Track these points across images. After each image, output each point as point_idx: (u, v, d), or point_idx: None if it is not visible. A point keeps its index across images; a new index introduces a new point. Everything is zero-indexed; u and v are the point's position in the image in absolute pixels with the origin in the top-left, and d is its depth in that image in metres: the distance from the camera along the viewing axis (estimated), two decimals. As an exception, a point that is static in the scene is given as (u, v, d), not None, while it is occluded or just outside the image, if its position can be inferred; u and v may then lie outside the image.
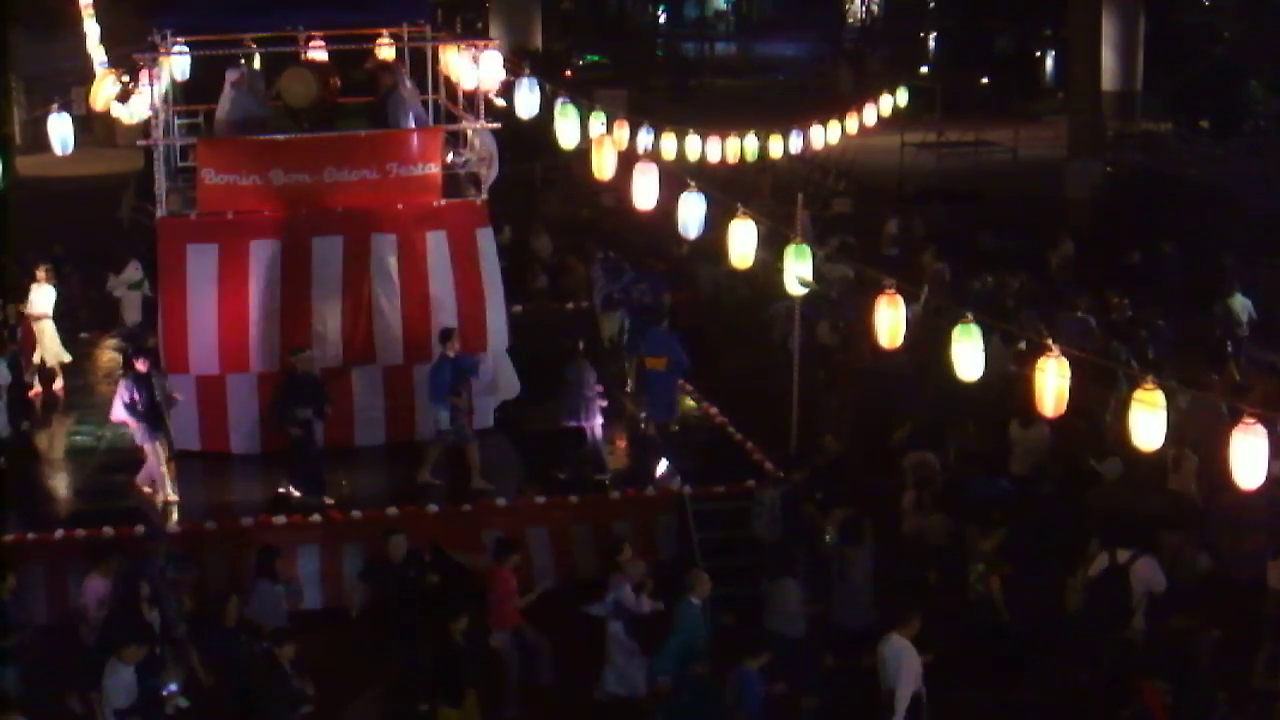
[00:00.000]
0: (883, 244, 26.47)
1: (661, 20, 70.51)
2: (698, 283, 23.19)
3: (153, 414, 15.17)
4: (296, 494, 15.23)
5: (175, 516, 15.04)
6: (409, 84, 17.54)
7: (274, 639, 11.81)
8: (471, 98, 17.82)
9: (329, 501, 15.14)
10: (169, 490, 15.30)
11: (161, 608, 12.65)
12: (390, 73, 17.42)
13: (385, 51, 19.16)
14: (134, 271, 21.00)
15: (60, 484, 16.30)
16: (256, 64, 18.82)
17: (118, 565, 13.02)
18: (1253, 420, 8.80)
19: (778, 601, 12.94)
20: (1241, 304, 20.88)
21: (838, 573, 13.33)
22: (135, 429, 15.42)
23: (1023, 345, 16.04)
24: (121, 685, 11.26)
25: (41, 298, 19.38)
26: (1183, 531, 14.46)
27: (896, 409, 17.64)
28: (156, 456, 15.29)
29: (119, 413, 15.38)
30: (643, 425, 16.99)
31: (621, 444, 16.93)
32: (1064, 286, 22.69)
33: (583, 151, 16.50)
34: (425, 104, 18.03)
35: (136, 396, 15.10)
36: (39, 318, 19.18)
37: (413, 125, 17.11)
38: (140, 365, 15.28)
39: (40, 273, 19.50)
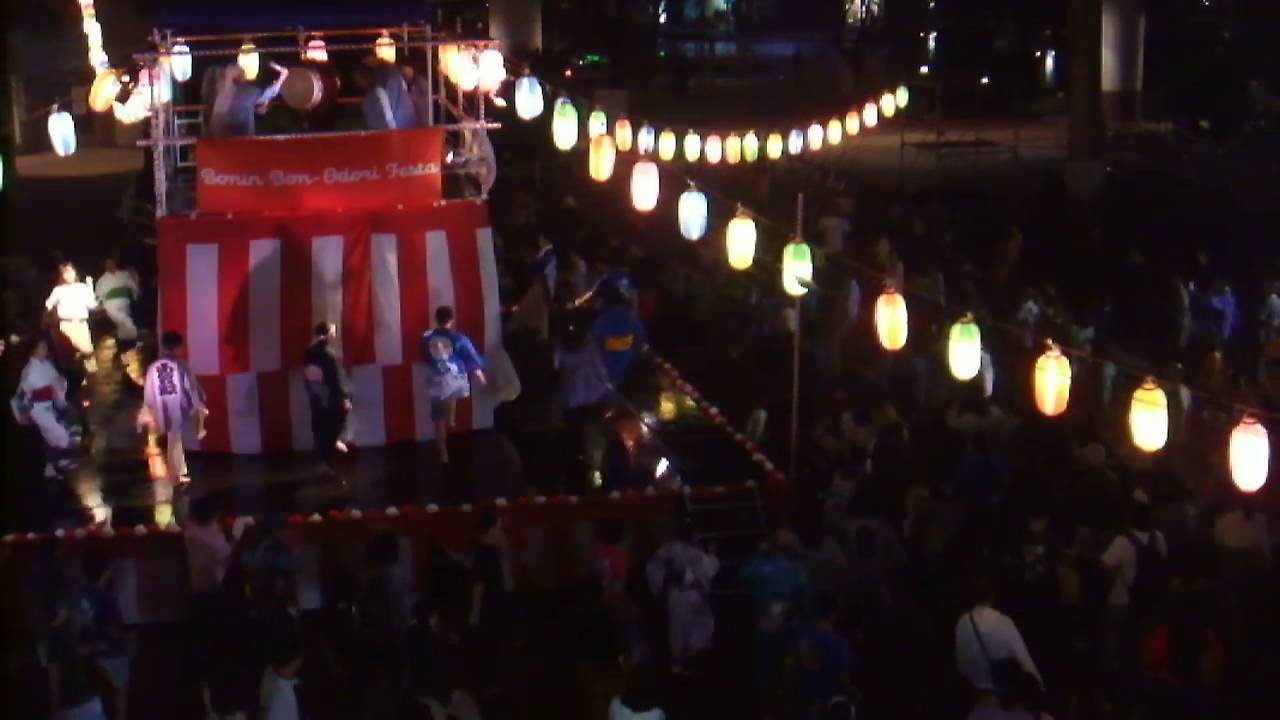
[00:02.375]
0: (829, 242, 26.49)
1: (661, 20, 70.54)
2: (664, 282, 23.28)
3: (176, 407, 15.32)
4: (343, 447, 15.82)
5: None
6: (403, 85, 17.46)
7: (419, 612, 11.76)
8: (471, 98, 17.82)
9: (342, 447, 15.67)
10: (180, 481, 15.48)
11: (270, 597, 12.70)
12: (367, 74, 17.41)
13: (385, 52, 19.16)
14: (114, 279, 19.97)
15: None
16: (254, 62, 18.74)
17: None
18: (1253, 420, 8.85)
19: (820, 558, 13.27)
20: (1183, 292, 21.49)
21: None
22: (157, 420, 15.57)
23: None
24: (285, 704, 10.82)
25: (70, 299, 19.05)
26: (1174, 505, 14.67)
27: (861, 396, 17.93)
28: (174, 448, 15.44)
29: (149, 400, 15.56)
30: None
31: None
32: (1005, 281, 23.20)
33: (582, 151, 16.53)
34: (426, 104, 17.96)
35: (158, 386, 15.24)
36: (69, 320, 18.84)
37: (391, 127, 17.01)
38: (164, 357, 15.38)
39: (68, 274, 19.15)
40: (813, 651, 11.36)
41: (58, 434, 15.77)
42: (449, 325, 16.03)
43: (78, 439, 16.31)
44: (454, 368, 15.81)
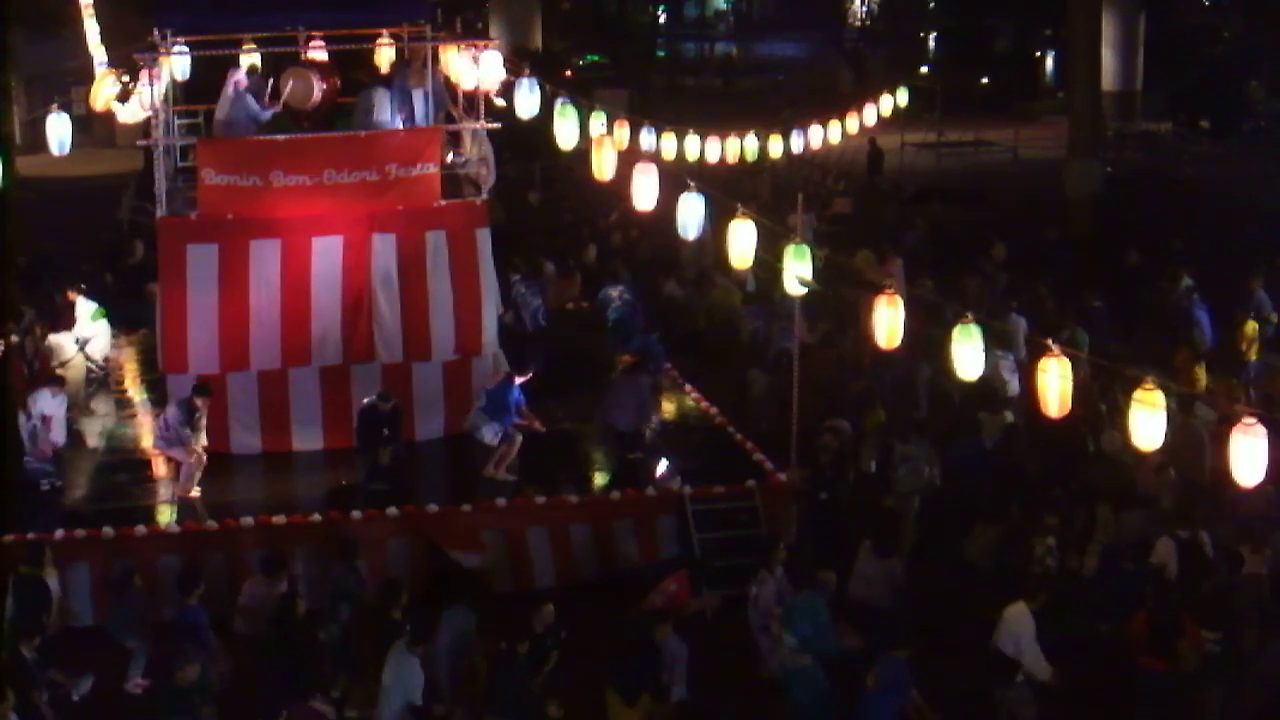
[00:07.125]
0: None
1: (661, 20, 70.45)
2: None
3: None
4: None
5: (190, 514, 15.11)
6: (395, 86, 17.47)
7: (510, 638, 11.68)
8: (471, 98, 17.83)
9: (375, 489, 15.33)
10: (192, 488, 15.44)
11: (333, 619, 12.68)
12: (367, 73, 17.48)
13: (384, 54, 19.16)
14: (84, 308, 19.26)
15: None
16: (258, 62, 18.70)
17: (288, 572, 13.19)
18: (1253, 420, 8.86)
19: (876, 575, 13.27)
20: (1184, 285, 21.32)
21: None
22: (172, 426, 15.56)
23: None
24: (415, 676, 11.13)
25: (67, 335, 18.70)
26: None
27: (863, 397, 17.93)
28: (195, 457, 15.42)
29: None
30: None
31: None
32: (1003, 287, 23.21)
33: (583, 151, 16.53)
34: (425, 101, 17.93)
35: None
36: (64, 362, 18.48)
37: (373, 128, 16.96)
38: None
39: (77, 300, 18.91)
40: (875, 676, 11.35)
41: (38, 446, 15.62)
42: (519, 379, 15.84)
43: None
44: (481, 401, 15.65)
